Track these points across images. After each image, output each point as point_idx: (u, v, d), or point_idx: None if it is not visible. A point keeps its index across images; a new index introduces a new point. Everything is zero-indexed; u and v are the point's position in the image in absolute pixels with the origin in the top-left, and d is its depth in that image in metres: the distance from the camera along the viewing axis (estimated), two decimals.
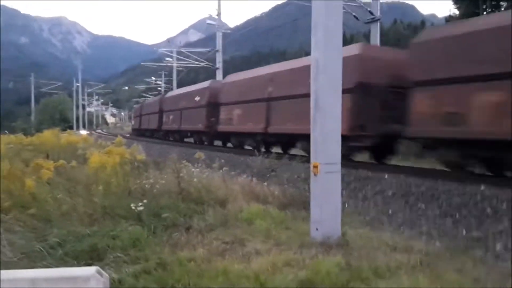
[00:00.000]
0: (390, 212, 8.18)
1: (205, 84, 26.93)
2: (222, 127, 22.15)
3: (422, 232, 6.58)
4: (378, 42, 20.42)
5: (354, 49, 13.99)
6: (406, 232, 6.43)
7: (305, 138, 11.31)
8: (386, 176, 10.03)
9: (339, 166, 5.17)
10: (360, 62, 13.21)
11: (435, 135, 10.72)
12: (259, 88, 18.46)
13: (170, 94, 39.01)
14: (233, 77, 23.19)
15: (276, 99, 17.31)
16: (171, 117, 32.48)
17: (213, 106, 23.40)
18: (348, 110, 12.15)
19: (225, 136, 23.15)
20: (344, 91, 11.51)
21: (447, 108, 10.18)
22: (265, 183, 8.96)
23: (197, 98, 26.10)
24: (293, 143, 16.86)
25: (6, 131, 28.49)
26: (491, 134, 9.17)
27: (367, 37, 26.14)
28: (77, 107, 72.42)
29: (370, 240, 5.03)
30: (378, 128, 12.66)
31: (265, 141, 18.78)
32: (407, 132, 11.42)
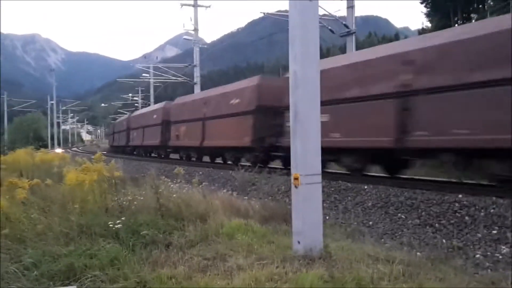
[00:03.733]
0: (370, 223, 8.24)
1: (160, 105, 31.26)
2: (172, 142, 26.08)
3: (403, 243, 6.63)
4: None
5: (160, 104, 29.88)
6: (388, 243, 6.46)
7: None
8: (365, 187, 10.09)
9: (319, 177, 5.16)
10: (163, 110, 28.16)
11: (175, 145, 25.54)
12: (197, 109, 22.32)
13: (135, 113, 43.51)
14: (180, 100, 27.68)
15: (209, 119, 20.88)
16: (135, 134, 36.64)
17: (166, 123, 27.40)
18: (159, 133, 27.81)
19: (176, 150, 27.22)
20: (157, 125, 28.65)
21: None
22: (246, 197, 8.92)
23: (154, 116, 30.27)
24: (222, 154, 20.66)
25: None
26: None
27: (343, 50, 26.56)
28: (52, 125, 71.13)
29: (352, 251, 5.01)
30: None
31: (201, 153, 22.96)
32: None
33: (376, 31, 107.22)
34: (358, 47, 22.88)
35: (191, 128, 22.85)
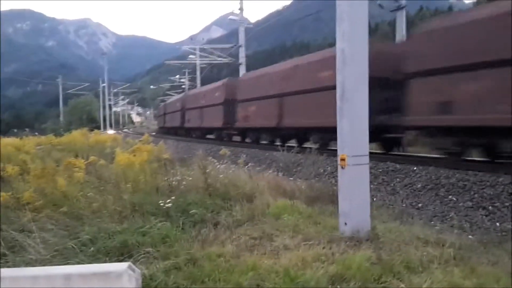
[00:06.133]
0: (420, 205, 8.06)
1: (223, 81, 28.24)
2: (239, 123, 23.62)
3: (454, 225, 6.44)
4: (404, 30, 19.94)
5: (221, 82, 27.37)
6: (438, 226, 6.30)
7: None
8: (415, 168, 9.84)
9: (367, 158, 5.08)
10: (226, 88, 25.69)
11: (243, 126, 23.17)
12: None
13: (191, 92, 41.71)
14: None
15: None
16: (191, 115, 33.93)
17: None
18: (222, 113, 25.58)
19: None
20: (219, 104, 26.18)
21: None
22: (291, 178, 8.93)
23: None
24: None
25: (36, 133, 29.25)
26: None
27: (392, 25, 25.62)
28: (104, 107, 73.69)
29: (400, 234, 4.93)
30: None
31: (276, 135, 20.01)
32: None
33: (428, 5, 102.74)
34: (408, 22, 22.03)
35: (263, 107, 19.85)
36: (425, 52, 10.84)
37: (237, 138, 25.52)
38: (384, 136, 13.01)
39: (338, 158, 5.14)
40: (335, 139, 15.74)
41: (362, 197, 5.08)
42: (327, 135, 15.43)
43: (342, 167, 5.09)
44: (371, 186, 9.00)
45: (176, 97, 52.74)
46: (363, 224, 4.94)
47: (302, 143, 17.80)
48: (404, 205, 8.11)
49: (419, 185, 8.95)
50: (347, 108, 5.05)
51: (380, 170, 10.41)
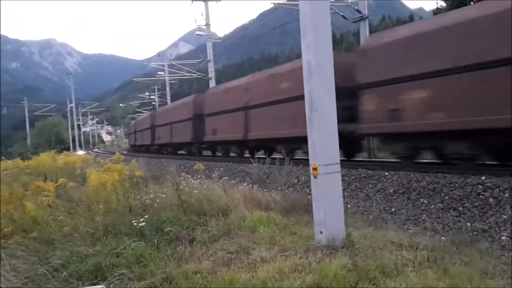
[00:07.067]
0: (393, 209, 8.19)
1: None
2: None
3: (427, 228, 6.58)
4: None
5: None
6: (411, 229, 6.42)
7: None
8: (386, 174, 10.02)
9: (338, 166, 5.14)
10: (151, 117, 39.67)
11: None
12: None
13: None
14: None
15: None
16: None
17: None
18: (150, 135, 39.38)
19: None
20: (148, 129, 41.56)
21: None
22: (266, 190, 8.95)
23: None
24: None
25: (3, 157, 28.35)
26: None
27: (356, 35, 26.19)
28: (72, 128, 72.22)
29: (375, 239, 5.00)
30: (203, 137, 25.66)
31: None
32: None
33: (390, 14, 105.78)
34: (372, 32, 22.56)
35: (164, 130, 33.56)
36: (208, 103, 24.35)
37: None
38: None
39: (310, 168, 5.19)
40: (189, 149, 25.20)
41: (336, 205, 5.13)
42: (188, 147, 28.46)
43: (314, 177, 5.13)
44: (345, 193, 9.13)
45: (134, 121, 59.44)
46: (338, 231, 4.98)
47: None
48: (378, 210, 8.23)
49: (391, 190, 9.11)
50: (316, 118, 5.11)
51: (353, 177, 10.54)
